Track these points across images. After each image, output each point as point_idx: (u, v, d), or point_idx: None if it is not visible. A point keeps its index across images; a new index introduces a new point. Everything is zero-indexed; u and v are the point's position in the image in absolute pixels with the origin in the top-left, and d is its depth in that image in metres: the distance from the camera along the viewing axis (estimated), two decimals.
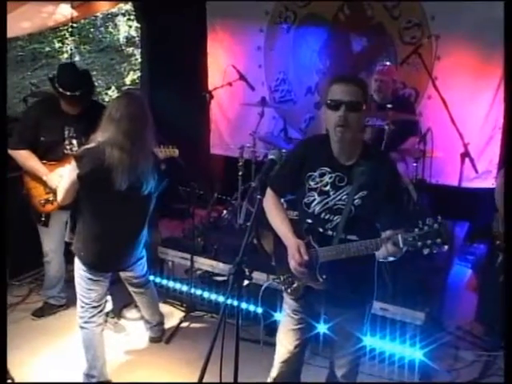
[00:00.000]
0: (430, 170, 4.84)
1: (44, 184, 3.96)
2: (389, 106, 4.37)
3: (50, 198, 3.98)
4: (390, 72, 4.95)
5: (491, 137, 5.36)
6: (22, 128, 4.04)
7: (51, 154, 3.95)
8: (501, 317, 2.96)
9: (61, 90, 3.83)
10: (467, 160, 4.32)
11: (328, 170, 2.54)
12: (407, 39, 5.55)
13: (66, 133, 3.92)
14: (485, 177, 5.28)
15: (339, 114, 2.38)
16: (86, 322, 3.42)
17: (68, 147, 3.92)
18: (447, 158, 5.05)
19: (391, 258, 2.32)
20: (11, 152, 3.90)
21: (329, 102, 2.43)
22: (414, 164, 4.71)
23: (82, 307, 3.41)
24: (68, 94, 3.83)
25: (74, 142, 3.90)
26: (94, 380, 3.44)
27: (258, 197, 2.26)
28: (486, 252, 5.13)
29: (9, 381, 3.38)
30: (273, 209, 2.73)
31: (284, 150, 4.13)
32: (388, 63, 5.08)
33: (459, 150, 4.41)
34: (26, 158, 3.95)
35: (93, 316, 3.42)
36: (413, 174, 4.70)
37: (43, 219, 4.07)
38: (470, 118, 5.26)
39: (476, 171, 4.38)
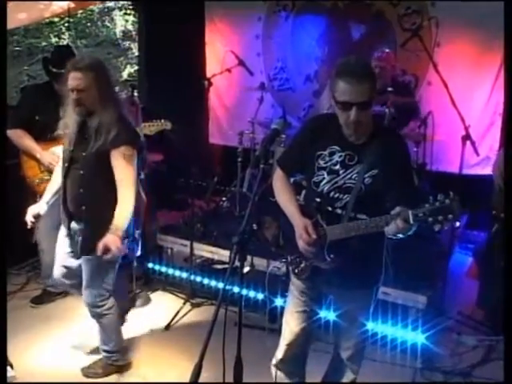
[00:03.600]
0: (431, 155, 4.82)
1: (39, 163, 4.05)
2: (389, 89, 4.35)
3: (45, 177, 4.01)
4: (388, 58, 4.93)
5: (491, 123, 5.34)
6: (17, 108, 4.23)
7: (46, 134, 4.00)
8: (501, 303, 2.94)
9: (51, 68, 3.95)
10: (468, 144, 4.29)
11: (338, 148, 2.50)
12: (407, 26, 5.52)
13: (62, 113, 3.90)
14: (485, 163, 5.26)
15: (351, 115, 2.33)
16: (109, 308, 3.38)
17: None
18: (448, 143, 5.04)
19: (401, 235, 2.26)
20: (8, 132, 4.03)
21: (338, 102, 2.36)
22: (415, 149, 4.68)
23: (103, 295, 3.33)
24: (54, 70, 3.92)
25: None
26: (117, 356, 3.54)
27: (261, 166, 2.22)
28: (486, 239, 5.11)
29: (8, 368, 3.35)
30: (281, 188, 2.70)
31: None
32: (387, 50, 5.05)
33: (460, 135, 4.38)
34: (20, 136, 4.06)
35: (112, 301, 3.42)
36: (413, 160, 4.67)
37: (38, 200, 4.04)
38: (469, 105, 5.22)
39: (477, 154, 4.35)
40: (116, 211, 3.04)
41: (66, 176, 3.17)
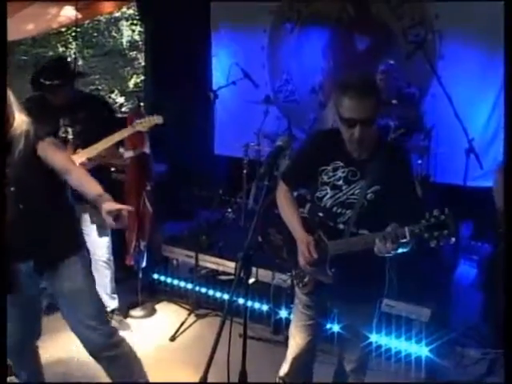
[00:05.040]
0: (435, 167, 4.84)
1: None
2: (394, 101, 4.38)
3: None
4: (394, 70, 4.95)
5: (494, 135, 5.34)
6: None
7: None
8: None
9: (43, 80, 3.85)
10: (472, 157, 4.32)
11: (341, 164, 2.52)
12: (411, 38, 5.54)
13: (61, 121, 3.95)
14: (489, 175, 5.25)
15: (355, 131, 2.35)
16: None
17: (63, 135, 3.95)
18: (451, 155, 5.04)
19: (400, 251, 2.27)
20: None
21: (343, 119, 2.38)
22: (419, 161, 4.70)
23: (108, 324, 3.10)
24: (47, 83, 3.83)
25: (70, 130, 3.92)
26: None
27: (266, 183, 2.24)
28: (491, 250, 5.11)
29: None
30: (285, 203, 2.72)
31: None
32: (392, 62, 5.08)
33: (463, 148, 4.41)
34: None
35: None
36: (417, 172, 4.69)
37: None
38: (473, 117, 5.23)
39: (481, 167, 4.37)
40: (86, 185, 2.65)
41: None
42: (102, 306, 3.07)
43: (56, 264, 2.77)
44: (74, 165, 2.79)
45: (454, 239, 2.14)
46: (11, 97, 2.74)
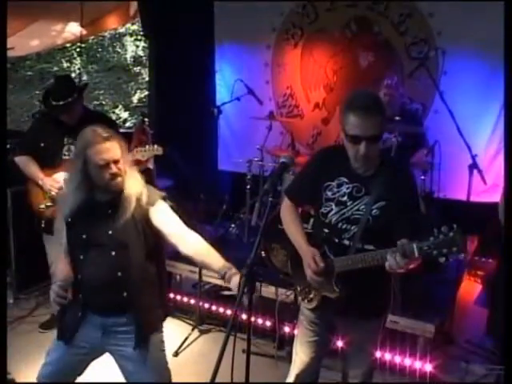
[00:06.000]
0: (438, 183, 4.85)
1: (42, 190, 4.09)
2: (397, 118, 4.39)
3: (48, 204, 4.08)
4: (398, 86, 4.97)
5: (498, 151, 5.35)
6: (24, 136, 4.38)
7: (50, 161, 4.09)
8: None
9: (51, 101, 4.01)
10: (475, 173, 4.32)
11: (346, 180, 2.54)
12: (414, 54, 5.58)
13: (66, 139, 4.07)
14: (493, 190, 5.27)
15: (361, 148, 2.37)
16: None
17: (67, 153, 4.06)
18: (455, 171, 5.05)
19: (402, 270, 2.26)
20: (15, 159, 4.17)
21: (348, 136, 2.39)
22: (422, 177, 4.71)
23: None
24: (54, 103, 3.99)
25: (73, 147, 3.96)
26: None
27: (270, 199, 2.25)
28: (496, 266, 5.10)
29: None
30: (289, 218, 2.74)
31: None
32: (395, 77, 5.10)
33: (467, 163, 4.42)
34: (25, 163, 4.15)
35: None
36: (421, 188, 4.69)
37: (43, 226, 4.12)
38: (476, 133, 5.24)
39: (484, 182, 4.37)
40: (208, 256, 2.66)
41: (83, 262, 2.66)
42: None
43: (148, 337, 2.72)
44: (187, 231, 2.74)
45: (463, 255, 2.14)
46: (122, 148, 2.64)
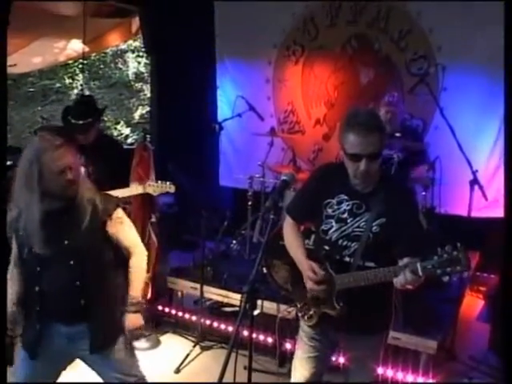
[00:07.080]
0: (439, 198, 4.85)
1: None
2: (397, 134, 4.41)
3: None
4: (398, 102, 4.99)
5: (498, 166, 5.36)
6: None
7: None
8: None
9: (70, 118, 3.97)
10: (476, 188, 4.32)
11: (345, 197, 2.54)
12: (414, 70, 5.62)
13: None
14: (494, 206, 5.27)
15: (361, 166, 2.38)
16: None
17: None
18: (456, 187, 5.06)
19: (409, 286, 2.28)
20: None
21: (348, 154, 2.41)
22: (423, 193, 4.72)
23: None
24: (73, 121, 3.94)
25: (82, 169, 3.96)
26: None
27: (271, 217, 2.26)
28: (497, 281, 5.09)
29: None
30: (290, 235, 2.74)
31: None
32: (396, 94, 5.12)
33: (467, 179, 4.42)
34: None
35: None
36: (422, 203, 4.70)
37: None
38: (476, 148, 5.26)
39: (486, 198, 4.37)
40: (132, 279, 2.77)
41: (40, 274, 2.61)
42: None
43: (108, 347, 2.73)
44: (139, 247, 2.86)
45: (466, 273, 2.15)
46: (75, 154, 2.65)
